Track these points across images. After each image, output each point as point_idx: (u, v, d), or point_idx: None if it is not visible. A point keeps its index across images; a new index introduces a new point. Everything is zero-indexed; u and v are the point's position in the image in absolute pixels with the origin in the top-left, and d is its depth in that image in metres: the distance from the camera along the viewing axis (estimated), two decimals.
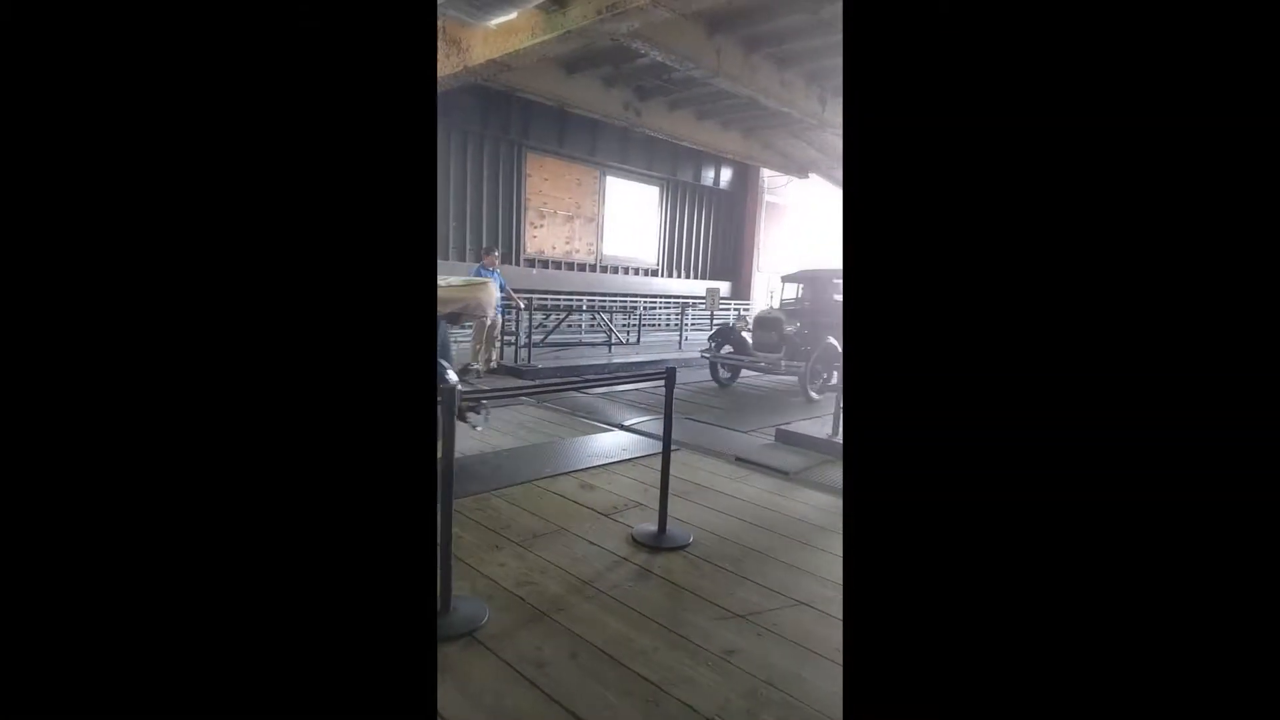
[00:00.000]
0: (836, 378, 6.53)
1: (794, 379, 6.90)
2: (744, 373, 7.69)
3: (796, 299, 7.86)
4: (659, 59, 8.37)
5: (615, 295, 12.91)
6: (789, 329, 6.95)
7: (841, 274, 7.81)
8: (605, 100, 10.85)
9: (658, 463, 2.99)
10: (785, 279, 8.29)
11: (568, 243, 12.66)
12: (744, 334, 7.43)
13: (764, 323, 7.23)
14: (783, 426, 4.71)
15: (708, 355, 7.42)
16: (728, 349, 7.44)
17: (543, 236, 12.19)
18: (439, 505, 2.04)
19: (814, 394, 6.64)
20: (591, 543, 2.68)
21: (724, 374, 7.40)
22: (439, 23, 7.85)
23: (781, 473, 3.81)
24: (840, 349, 6.46)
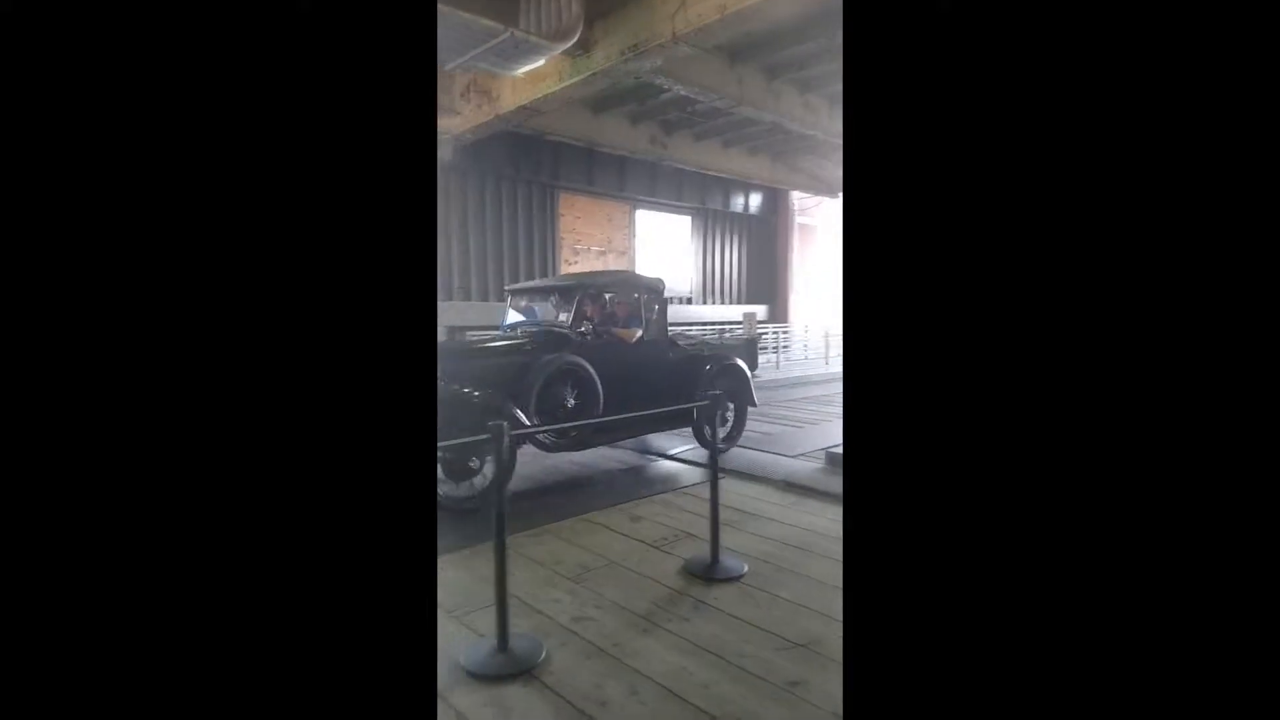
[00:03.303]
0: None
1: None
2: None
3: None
4: (682, 93, 8.54)
5: None
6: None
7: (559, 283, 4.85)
8: (632, 136, 11.10)
9: (704, 491, 2.96)
10: (510, 291, 5.15)
11: None
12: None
13: None
14: (832, 449, 4.61)
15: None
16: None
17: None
18: (495, 542, 2.06)
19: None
20: (644, 576, 2.65)
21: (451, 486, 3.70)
22: (469, 76, 8.20)
23: (834, 497, 3.72)
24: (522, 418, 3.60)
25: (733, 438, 4.98)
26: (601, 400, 4.14)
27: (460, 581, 2.60)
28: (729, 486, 3.87)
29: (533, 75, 7.40)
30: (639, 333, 4.69)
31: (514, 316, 4.84)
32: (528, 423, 3.67)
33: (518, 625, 2.16)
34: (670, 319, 5.35)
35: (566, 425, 3.85)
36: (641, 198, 13.20)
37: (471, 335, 5.58)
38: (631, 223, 13.35)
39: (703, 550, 2.79)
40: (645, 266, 13.52)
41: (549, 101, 7.96)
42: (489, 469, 3.50)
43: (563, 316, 4.42)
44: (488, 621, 2.12)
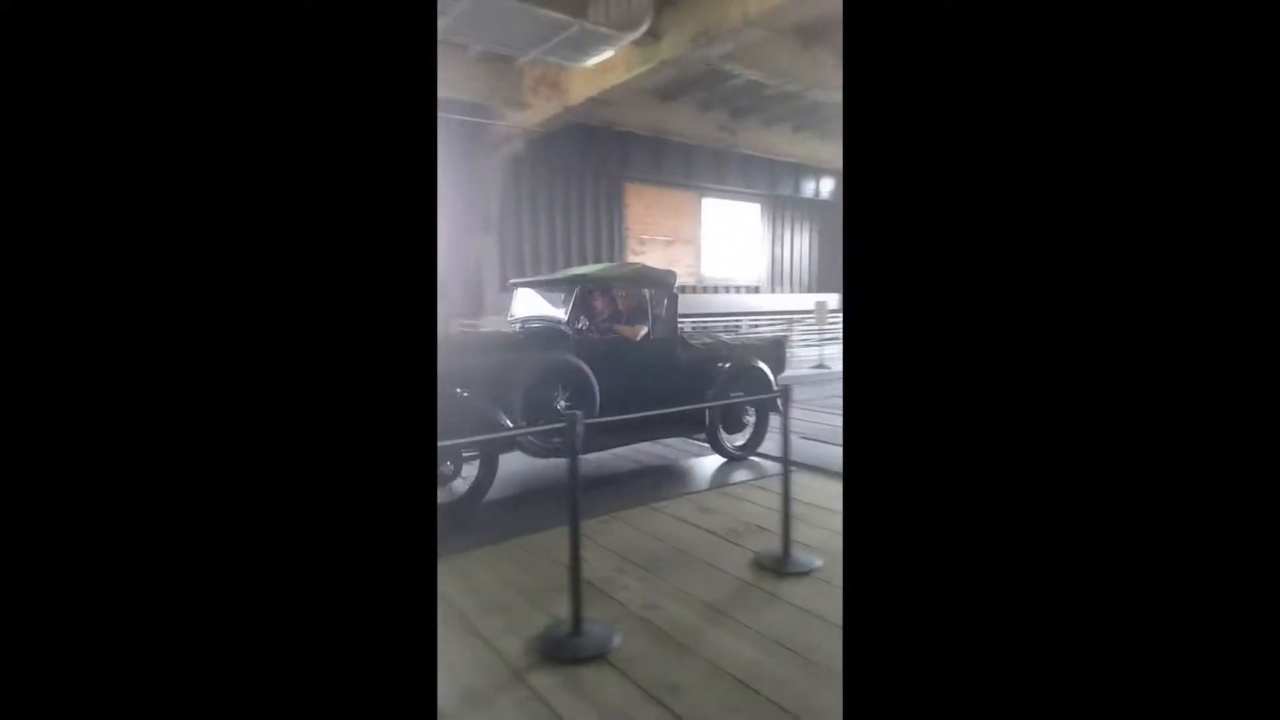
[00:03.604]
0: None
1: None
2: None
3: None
4: (753, 78, 8.38)
5: (717, 316, 12.90)
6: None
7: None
8: (700, 124, 11.00)
9: (775, 485, 2.92)
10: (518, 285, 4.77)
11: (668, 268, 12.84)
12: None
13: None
14: None
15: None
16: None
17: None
18: (569, 527, 2.11)
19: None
20: (715, 567, 2.65)
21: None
22: (539, 70, 8.33)
23: None
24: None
25: (752, 445, 4.68)
26: (598, 402, 3.79)
27: (536, 566, 2.68)
28: (800, 480, 3.81)
29: (602, 66, 7.44)
30: (643, 330, 4.29)
31: (526, 310, 4.43)
32: (509, 424, 3.47)
33: (591, 611, 2.21)
34: (738, 309, 4.94)
35: (550, 428, 3.50)
36: (709, 186, 13.08)
37: (464, 331, 5.06)
38: (698, 211, 13.26)
39: (774, 544, 2.77)
40: (712, 255, 13.41)
41: (617, 92, 7.98)
42: (469, 471, 3.41)
43: (560, 312, 4.08)
44: (561, 605, 2.18)
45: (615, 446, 4.24)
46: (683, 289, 13.62)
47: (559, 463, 4.17)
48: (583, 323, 4.13)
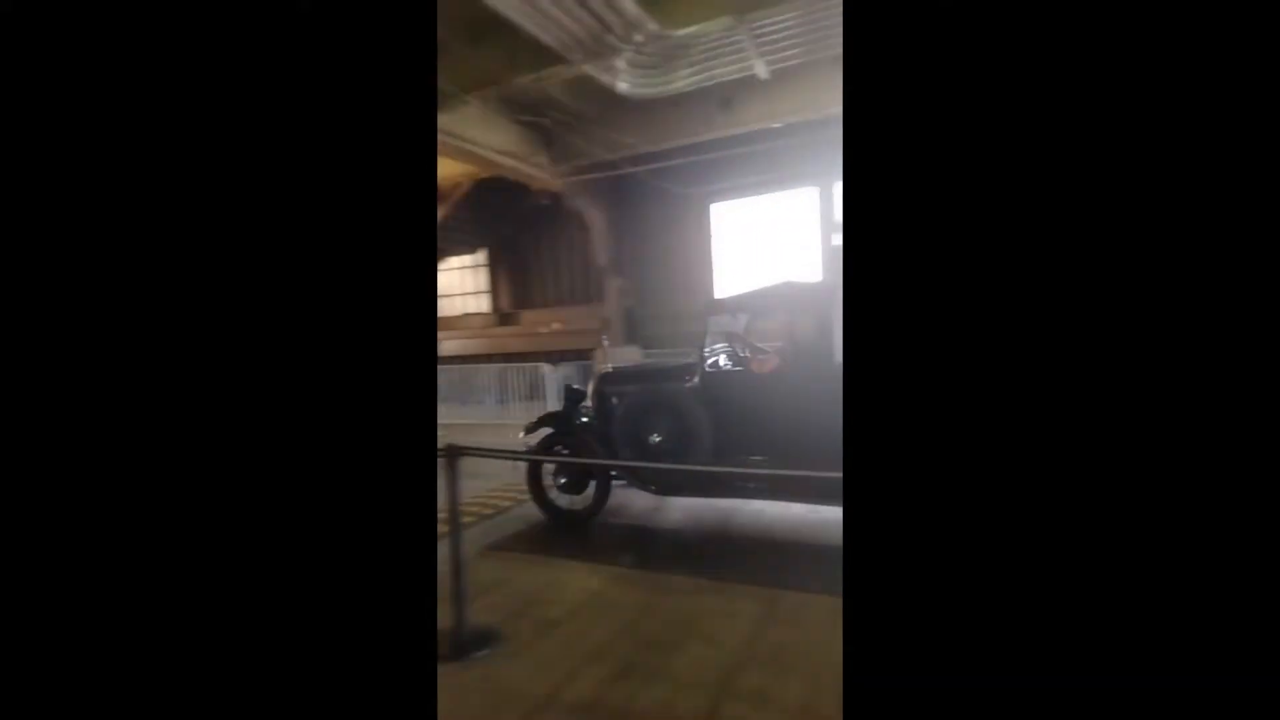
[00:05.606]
0: None
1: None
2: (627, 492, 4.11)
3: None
4: None
5: None
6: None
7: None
8: None
9: None
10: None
11: None
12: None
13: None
14: None
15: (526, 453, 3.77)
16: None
17: None
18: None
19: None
20: None
21: (562, 497, 3.90)
22: None
23: None
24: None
25: None
26: (707, 444, 3.46)
27: None
28: None
29: None
30: (774, 362, 3.64)
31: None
32: (597, 451, 3.82)
33: None
34: None
35: (619, 465, 3.80)
36: None
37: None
38: None
39: None
40: None
41: None
42: (590, 491, 3.82)
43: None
44: None
45: (727, 497, 3.68)
46: None
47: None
48: (703, 354, 3.75)
